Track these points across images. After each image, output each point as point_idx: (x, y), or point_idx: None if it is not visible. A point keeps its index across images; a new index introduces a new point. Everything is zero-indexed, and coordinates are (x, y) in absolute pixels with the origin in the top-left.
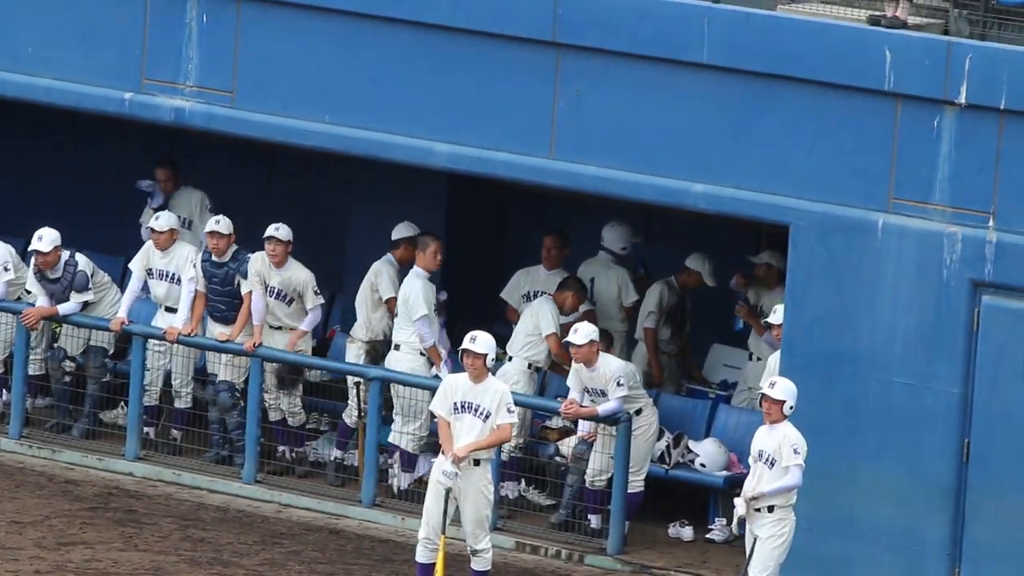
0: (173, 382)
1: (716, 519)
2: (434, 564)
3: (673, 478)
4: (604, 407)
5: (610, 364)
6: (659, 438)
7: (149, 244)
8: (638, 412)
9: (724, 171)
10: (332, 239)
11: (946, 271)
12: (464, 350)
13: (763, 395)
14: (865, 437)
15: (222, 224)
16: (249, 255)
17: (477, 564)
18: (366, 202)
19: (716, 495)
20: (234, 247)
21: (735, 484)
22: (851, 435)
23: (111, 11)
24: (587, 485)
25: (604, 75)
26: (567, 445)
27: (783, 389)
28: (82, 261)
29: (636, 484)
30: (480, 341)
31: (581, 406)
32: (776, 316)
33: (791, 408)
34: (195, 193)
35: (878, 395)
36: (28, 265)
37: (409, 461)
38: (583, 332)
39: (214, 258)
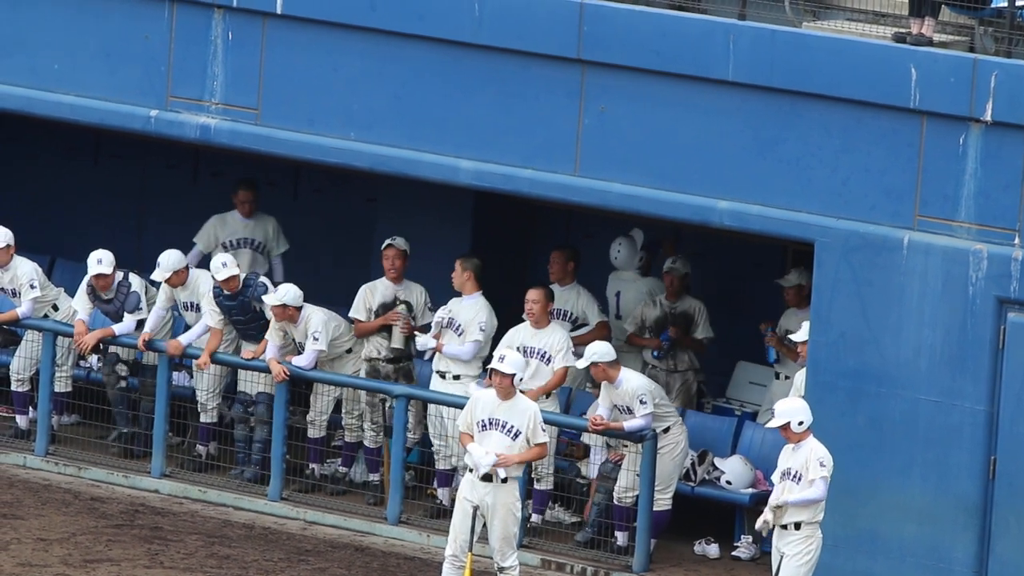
0: (199, 396)
1: (742, 536)
2: None
3: (699, 495)
4: (630, 424)
5: (632, 381)
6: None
7: None
8: (666, 430)
9: (749, 188)
10: (357, 254)
11: (972, 288)
12: (492, 369)
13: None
14: (891, 454)
15: (215, 267)
16: (261, 276)
17: None
18: (392, 218)
19: (742, 512)
20: (241, 275)
21: (761, 501)
22: (876, 452)
23: (136, 28)
24: (615, 502)
25: (629, 92)
26: (588, 464)
27: (783, 413)
28: (136, 282)
29: (663, 502)
30: (508, 361)
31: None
32: (801, 333)
33: (801, 424)
34: (268, 220)
35: (904, 412)
36: (54, 284)
37: (443, 477)
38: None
39: (225, 291)
